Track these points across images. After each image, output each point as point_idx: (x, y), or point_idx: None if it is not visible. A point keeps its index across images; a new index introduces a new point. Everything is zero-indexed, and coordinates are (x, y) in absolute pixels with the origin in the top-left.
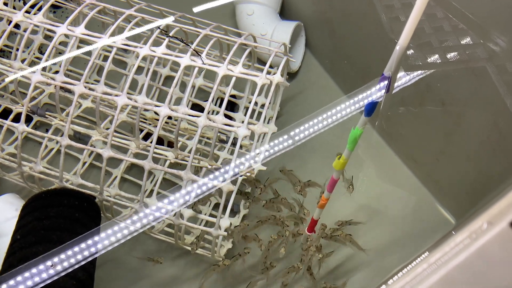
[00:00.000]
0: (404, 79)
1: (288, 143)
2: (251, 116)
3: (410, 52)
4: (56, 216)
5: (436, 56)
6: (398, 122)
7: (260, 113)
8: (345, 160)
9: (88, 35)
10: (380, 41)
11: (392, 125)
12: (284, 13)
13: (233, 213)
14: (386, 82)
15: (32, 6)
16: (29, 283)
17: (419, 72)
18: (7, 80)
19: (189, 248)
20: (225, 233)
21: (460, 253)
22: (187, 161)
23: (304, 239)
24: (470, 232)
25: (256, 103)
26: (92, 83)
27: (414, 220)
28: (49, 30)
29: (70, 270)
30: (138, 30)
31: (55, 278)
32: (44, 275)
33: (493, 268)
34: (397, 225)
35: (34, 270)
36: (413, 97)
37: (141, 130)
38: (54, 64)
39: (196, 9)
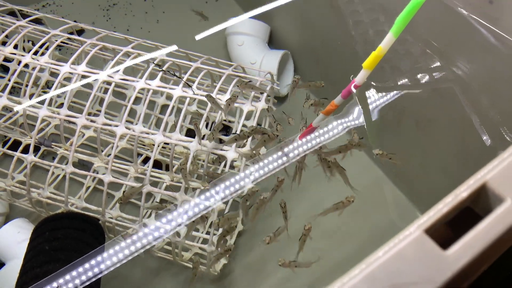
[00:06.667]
0: (379, 98)
1: (278, 162)
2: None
3: (382, 74)
4: (64, 238)
5: (406, 79)
6: (380, 141)
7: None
8: (382, 51)
9: (88, 72)
10: (358, 68)
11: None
12: (272, 43)
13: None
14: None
15: (41, 46)
16: None
17: (393, 93)
18: (16, 116)
19: (188, 265)
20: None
21: (384, 255)
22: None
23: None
24: (398, 239)
25: (246, 127)
26: (94, 113)
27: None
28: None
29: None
30: (135, 61)
31: None
32: None
33: (407, 266)
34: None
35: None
36: (392, 117)
37: (141, 155)
38: (59, 96)
39: (197, 37)
